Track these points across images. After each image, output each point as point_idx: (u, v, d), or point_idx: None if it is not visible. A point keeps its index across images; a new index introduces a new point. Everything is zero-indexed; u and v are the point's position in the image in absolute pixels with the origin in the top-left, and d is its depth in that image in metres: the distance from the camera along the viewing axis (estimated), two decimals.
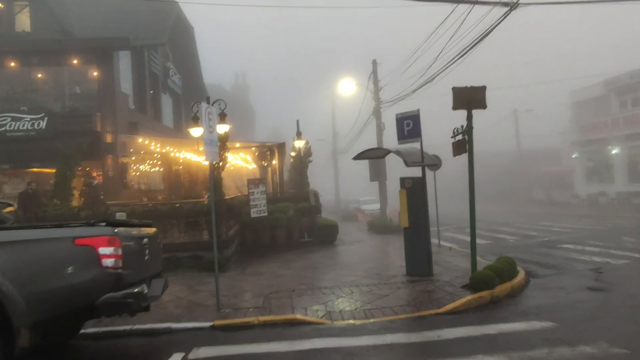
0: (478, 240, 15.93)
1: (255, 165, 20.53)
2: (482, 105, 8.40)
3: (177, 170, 22.74)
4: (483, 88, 8.43)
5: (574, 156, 34.66)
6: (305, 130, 17.71)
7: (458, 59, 13.73)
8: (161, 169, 21.29)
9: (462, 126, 8.66)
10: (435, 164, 9.51)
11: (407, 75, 18.61)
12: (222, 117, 12.09)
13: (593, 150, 32.38)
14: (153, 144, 16.70)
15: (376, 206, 30.83)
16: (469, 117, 8.40)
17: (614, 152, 30.35)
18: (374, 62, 21.93)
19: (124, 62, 17.32)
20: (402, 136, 9.34)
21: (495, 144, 40.64)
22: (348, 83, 23.32)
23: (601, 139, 30.49)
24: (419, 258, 9.14)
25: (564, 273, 9.48)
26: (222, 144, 11.57)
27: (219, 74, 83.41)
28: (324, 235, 14.93)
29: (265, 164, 18.39)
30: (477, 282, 7.75)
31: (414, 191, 9.23)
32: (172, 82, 23.36)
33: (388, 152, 10.11)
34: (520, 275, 8.80)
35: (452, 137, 8.91)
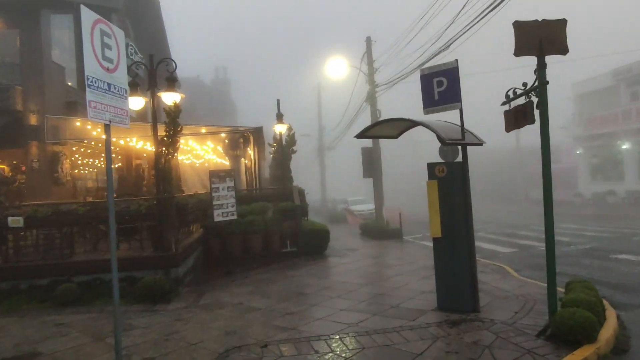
0: (500, 248, 13.30)
1: (228, 159, 17.25)
2: (562, 47, 5.37)
3: (138, 165, 19.34)
4: (563, 22, 5.41)
5: (578, 152, 32.17)
6: (290, 124, 14.48)
7: (481, 19, 10.78)
8: (119, 164, 17.90)
9: (524, 85, 5.63)
10: (479, 142, 6.44)
11: (409, 50, 15.60)
12: (171, 83, 8.92)
13: (599, 145, 29.91)
14: (100, 129, 13.28)
15: (368, 207, 27.83)
16: (541, 67, 5.37)
17: (624, 147, 27.88)
18: (368, 40, 18.85)
19: (63, 28, 13.93)
20: (431, 102, 6.23)
21: (490, 138, 37.93)
22: (338, 64, 20.10)
23: (609, 134, 27.99)
24: (459, 285, 6.05)
25: None
26: (171, 120, 8.36)
27: (198, 68, 79.11)
28: (312, 244, 11.74)
29: (238, 154, 15.13)
30: (566, 328, 4.72)
31: (450, 183, 6.15)
32: (131, 62, 19.85)
33: (411, 124, 6.98)
34: (611, 314, 5.80)
35: (505, 102, 5.84)
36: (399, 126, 7.35)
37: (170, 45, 23.86)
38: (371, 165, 17.94)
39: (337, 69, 20.51)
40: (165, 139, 8.25)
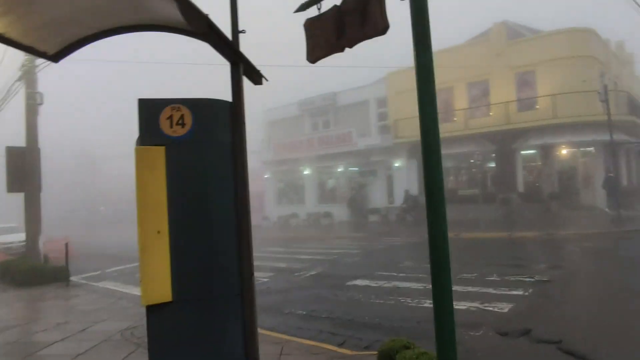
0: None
1: None
2: None
3: None
4: None
5: (266, 176, 33.03)
6: None
7: None
8: None
9: None
10: None
11: None
12: None
13: (285, 170, 31.39)
14: None
15: (19, 237, 20.15)
16: None
17: (305, 172, 29.94)
18: None
19: None
20: None
21: None
22: None
23: (294, 159, 29.60)
24: None
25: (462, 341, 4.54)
26: None
27: None
28: None
29: None
30: None
31: (205, 151, 2.45)
32: None
33: None
34: None
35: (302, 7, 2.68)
36: None
37: None
38: (21, 174, 11.95)
39: None
40: None
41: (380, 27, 2.92)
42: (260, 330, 5.84)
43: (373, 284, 8.55)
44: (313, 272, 10.31)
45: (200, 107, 2.64)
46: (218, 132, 2.71)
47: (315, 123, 30.43)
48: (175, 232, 2.49)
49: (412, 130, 23.90)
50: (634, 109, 21.49)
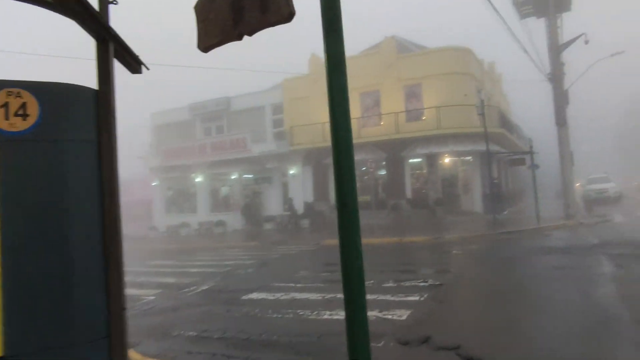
0: None
1: None
2: None
3: None
4: None
5: (154, 184, 30.89)
6: None
7: None
8: None
9: None
10: None
11: None
12: None
13: (175, 177, 29.64)
14: None
15: None
16: None
17: (197, 179, 28.56)
18: None
19: None
20: None
21: None
22: None
23: (185, 166, 28.07)
24: None
25: None
26: None
27: None
28: None
29: None
30: None
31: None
32: None
33: None
34: None
35: None
36: None
37: None
38: None
39: None
40: None
41: (285, 13, 2.52)
42: (143, 359, 5.10)
43: (270, 296, 8.10)
44: (205, 287, 9.56)
45: (50, 94, 1.98)
46: (78, 128, 2.09)
47: (207, 128, 29.22)
48: (10, 262, 1.82)
49: (308, 137, 24.03)
50: (504, 123, 23.88)
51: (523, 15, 20.57)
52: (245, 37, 2.89)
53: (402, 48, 25.43)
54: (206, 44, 2.95)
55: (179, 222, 27.81)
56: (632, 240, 11.22)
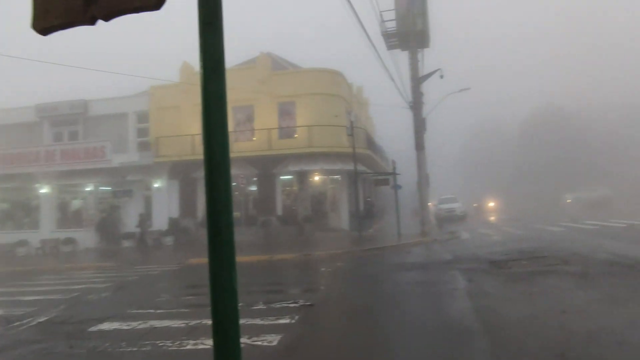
0: None
1: None
2: None
3: None
4: None
5: None
6: None
7: None
8: None
9: None
10: None
11: None
12: None
13: (15, 187, 25.60)
14: None
15: None
16: None
17: (43, 191, 25.03)
18: None
19: None
20: None
21: None
22: None
23: (27, 175, 24.43)
24: None
25: None
26: None
27: None
28: None
29: None
30: None
31: None
32: None
33: None
34: None
35: None
36: None
37: None
38: None
39: None
40: None
41: None
42: None
43: (124, 326, 7.13)
44: (43, 318, 8.10)
45: None
46: None
47: (58, 133, 25.94)
48: None
49: (176, 149, 22.65)
50: (370, 145, 25.34)
51: (390, 47, 22.20)
52: (102, 24, 2.35)
53: (277, 65, 25.63)
54: (45, 24, 2.32)
55: (15, 240, 23.90)
56: (478, 256, 12.46)
